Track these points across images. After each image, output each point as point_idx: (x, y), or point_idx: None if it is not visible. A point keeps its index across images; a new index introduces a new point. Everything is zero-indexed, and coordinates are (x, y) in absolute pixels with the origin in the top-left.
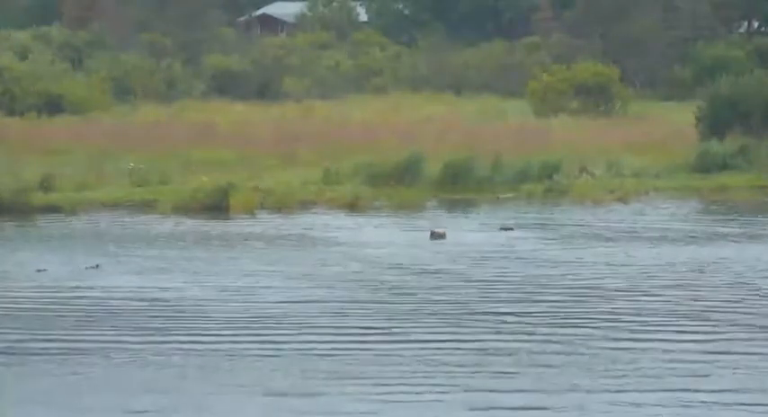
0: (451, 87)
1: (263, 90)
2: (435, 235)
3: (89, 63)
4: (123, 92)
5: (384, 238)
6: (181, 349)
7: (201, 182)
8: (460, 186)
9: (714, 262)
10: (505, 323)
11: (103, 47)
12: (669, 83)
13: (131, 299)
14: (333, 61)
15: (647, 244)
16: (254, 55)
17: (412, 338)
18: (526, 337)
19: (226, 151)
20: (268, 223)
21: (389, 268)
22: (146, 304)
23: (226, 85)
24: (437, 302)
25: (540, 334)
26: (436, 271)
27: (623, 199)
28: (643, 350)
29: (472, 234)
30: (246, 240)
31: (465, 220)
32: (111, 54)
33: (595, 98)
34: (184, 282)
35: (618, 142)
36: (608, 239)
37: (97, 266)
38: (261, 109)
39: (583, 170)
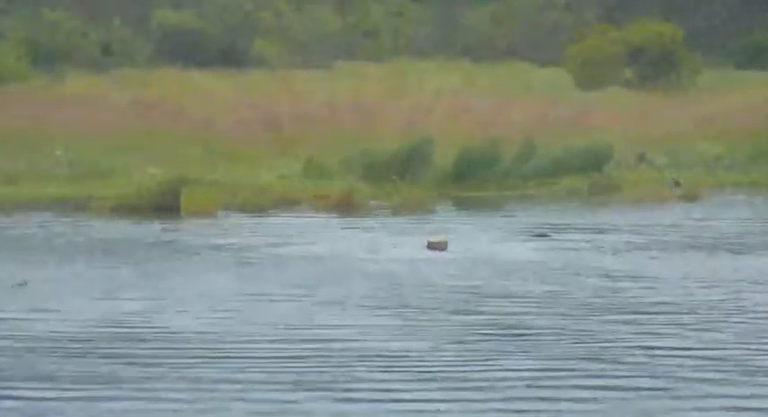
0: (468, 53)
1: (228, 55)
2: (433, 246)
3: (3, 21)
4: (46, 58)
5: (389, 248)
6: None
7: (148, 176)
8: (480, 180)
9: None
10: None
11: (21, 1)
12: (749, 48)
13: (82, 327)
14: (316, 19)
15: (730, 254)
16: (215, 10)
17: (528, 366)
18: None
19: (178, 134)
20: (235, 228)
21: (419, 285)
22: (102, 332)
23: (178, 49)
24: (521, 327)
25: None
26: (484, 290)
27: (692, 197)
28: None
29: (501, 242)
30: (211, 249)
31: (489, 225)
32: (32, 10)
33: (656, 66)
34: (150, 305)
35: (685, 123)
36: (680, 248)
37: (25, 283)
38: (224, 79)
39: (640, 159)
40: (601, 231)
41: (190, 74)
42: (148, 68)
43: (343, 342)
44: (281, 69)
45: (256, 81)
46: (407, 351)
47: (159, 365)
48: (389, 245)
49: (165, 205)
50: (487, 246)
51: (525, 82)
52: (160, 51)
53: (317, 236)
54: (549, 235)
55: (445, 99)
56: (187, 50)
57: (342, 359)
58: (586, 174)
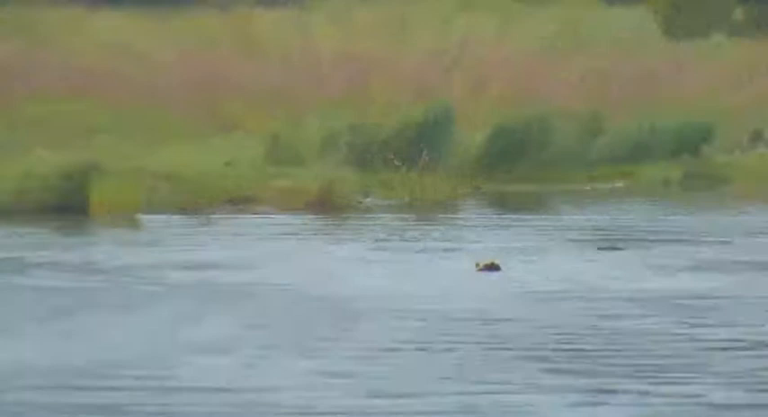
0: None
1: None
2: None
3: None
4: None
5: (404, 271)
6: None
7: (39, 161)
8: (522, 168)
9: None
10: None
11: None
12: None
13: None
14: None
15: None
16: None
17: None
18: None
19: (88, 103)
20: (163, 238)
21: (500, 322)
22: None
23: None
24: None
25: None
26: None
27: None
28: None
29: (560, 257)
30: (123, 272)
31: (536, 232)
32: None
33: None
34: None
35: None
36: None
37: None
38: (154, 23)
39: (756, 137)
40: (700, 241)
41: (99, 16)
42: (41, 8)
43: None
44: (235, 9)
45: (197, 26)
46: None
47: None
48: (407, 265)
49: (66, 204)
50: (542, 262)
51: (590, 28)
52: None
53: (292, 251)
54: (620, 248)
55: (472, 53)
56: None
57: None
58: (678, 160)
